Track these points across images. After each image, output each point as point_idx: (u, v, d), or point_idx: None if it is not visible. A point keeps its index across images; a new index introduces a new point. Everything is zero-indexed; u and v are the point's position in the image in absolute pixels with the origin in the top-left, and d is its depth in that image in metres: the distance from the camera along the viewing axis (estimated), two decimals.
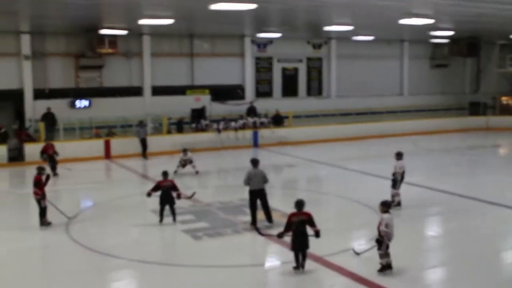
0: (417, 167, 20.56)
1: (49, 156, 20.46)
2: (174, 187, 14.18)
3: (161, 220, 14.05)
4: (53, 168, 20.21)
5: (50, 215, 14.06)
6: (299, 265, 10.48)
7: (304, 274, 10.44)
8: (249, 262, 11.62)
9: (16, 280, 10.68)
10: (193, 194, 15.15)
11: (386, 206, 10.56)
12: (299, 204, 10.59)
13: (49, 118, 25.06)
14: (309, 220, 10.49)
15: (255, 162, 13.80)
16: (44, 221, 13.90)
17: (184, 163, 19.81)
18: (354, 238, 12.77)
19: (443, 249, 12.67)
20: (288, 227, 10.49)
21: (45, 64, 26.47)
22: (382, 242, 10.31)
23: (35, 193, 13.80)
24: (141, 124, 24.78)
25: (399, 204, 14.92)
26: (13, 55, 25.55)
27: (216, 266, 11.06)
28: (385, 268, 10.41)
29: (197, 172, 20.12)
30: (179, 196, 14.27)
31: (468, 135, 32.53)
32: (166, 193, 14.03)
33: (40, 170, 14.10)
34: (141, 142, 24.47)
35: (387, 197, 16.47)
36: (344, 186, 18.85)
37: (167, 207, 14.06)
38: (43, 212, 13.89)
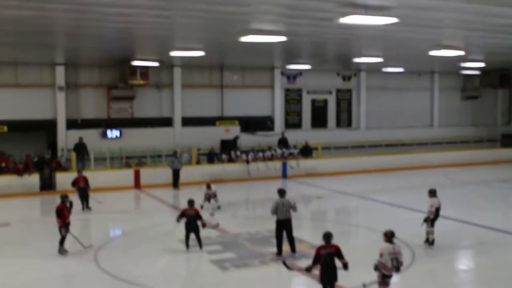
0: (448, 199, 20.18)
1: (80, 189, 19.85)
2: (198, 216, 14.36)
3: (187, 246, 14.27)
4: (86, 201, 19.85)
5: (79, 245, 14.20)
6: None
7: None
8: None
9: None
10: (217, 225, 15.12)
11: (385, 236, 10.43)
12: (327, 236, 10.50)
13: (81, 148, 25.45)
14: (337, 253, 10.39)
15: (282, 192, 13.94)
16: (61, 250, 14.09)
17: (208, 197, 19.42)
18: None
19: (474, 283, 12.46)
20: (317, 260, 10.39)
21: (78, 95, 27.00)
22: (378, 271, 10.26)
23: (57, 222, 14.04)
24: (175, 154, 24.91)
25: (432, 243, 14.41)
26: (48, 86, 26.16)
27: None
28: None
29: (219, 207, 19.63)
30: (204, 225, 14.45)
31: (500, 167, 32.04)
32: (191, 221, 14.27)
33: (63, 198, 14.34)
34: (174, 173, 24.53)
35: (418, 229, 16.36)
36: (373, 218, 18.67)
37: (192, 235, 14.22)
38: (62, 240, 14.10)
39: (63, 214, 14.03)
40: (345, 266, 10.42)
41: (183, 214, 14.43)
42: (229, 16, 14.25)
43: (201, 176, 25.02)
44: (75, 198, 18.09)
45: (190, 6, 13.00)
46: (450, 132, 36.24)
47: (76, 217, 18.49)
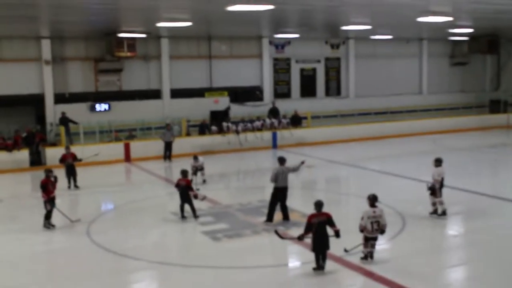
0: None
1: (68, 165, 19.22)
2: (189, 187, 14.55)
3: (182, 217, 14.50)
4: (74, 179, 19.26)
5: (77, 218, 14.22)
6: (319, 266, 10.47)
7: (324, 275, 10.43)
8: (269, 263, 11.63)
9: (37, 282, 10.87)
10: (204, 197, 15.08)
11: (368, 199, 11.04)
12: (319, 205, 10.59)
13: (65, 123, 25.27)
14: (329, 221, 10.49)
15: (282, 160, 14.13)
16: (46, 223, 14.16)
17: (195, 170, 18.82)
18: None
19: (464, 248, 12.60)
20: (308, 228, 10.48)
21: (65, 69, 26.74)
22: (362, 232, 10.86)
23: (42, 196, 14.10)
24: (167, 127, 24.82)
25: (444, 213, 14.16)
26: (34, 60, 25.85)
27: (236, 267, 11.09)
28: (366, 257, 10.92)
29: (204, 181, 19.05)
30: (195, 197, 14.60)
31: (488, 133, 32.21)
32: (183, 191, 14.50)
33: (48, 173, 14.37)
34: (166, 145, 24.43)
35: (408, 196, 16.53)
36: (363, 186, 18.73)
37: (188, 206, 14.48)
38: (48, 215, 14.15)
39: (47, 188, 14.08)
40: (337, 234, 10.54)
41: (177, 185, 14.70)
42: None
43: (191, 148, 25.00)
44: (62, 174, 18.12)
45: None
46: (439, 99, 36.29)
47: (67, 192, 18.57)
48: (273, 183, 13.93)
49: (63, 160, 19.33)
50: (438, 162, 14.44)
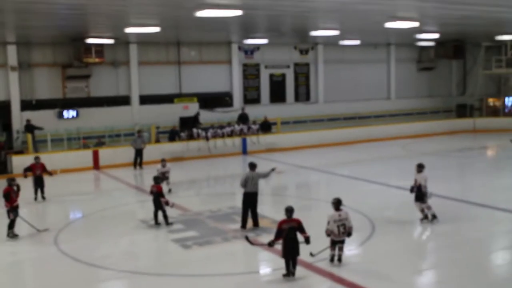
0: (406, 170, 20.50)
1: (36, 177, 18.39)
2: (160, 194, 14.48)
3: (155, 223, 14.54)
4: (41, 191, 18.41)
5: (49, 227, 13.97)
6: (289, 272, 10.45)
7: (294, 281, 10.41)
8: (240, 270, 11.58)
9: None
10: (172, 204, 14.90)
11: (332, 204, 11.21)
12: (289, 211, 10.61)
13: (29, 130, 24.87)
14: (299, 227, 10.50)
15: (252, 166, 14.10)
16: (10, 233, 13.91)
17: (162, 176, 17.72)
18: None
19: (434, 252, 12.71)
20: (279, 234, 10.48)
21: (31, 75, 26.34)
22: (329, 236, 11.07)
23: (5, 205, 13.86)
24: (139, 133, 24.58)
25: (435, 216, 14.27)
26: None
27: (206, 275, 11.01)
28: (332, 259, 11.11)
29: (169, 190, 18.38)
30: (166, 203, 14.48)
31: (455, 137, 32.67)
32: (155, 198, 14.49)
33: (10, 181, 14.16)
34: (136, 152, 24.15)
35: (378, 201, 16.62)
36: (333, 192, 18.61)
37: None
38: (11, 224, 13.91)
39: (10, 197, 13.86)
40: (307, 240, 10.55)
41: (150, 192, 14.76)
42: None
43: (161, 155, 24.58)
44: (25, 183, 17.76)
45: None
46: (407, 103, 36.72)
47: (33, 202, 18.24)
48: (242, 187, 13.94)
49: (30, 169, 18.53)
50: (420, 168, 14.53)
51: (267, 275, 11.27)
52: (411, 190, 14.47)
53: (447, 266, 11.43)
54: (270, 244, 10.72)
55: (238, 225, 14.01)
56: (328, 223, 10.99)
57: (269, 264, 11.67)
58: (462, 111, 37.52)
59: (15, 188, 14.08)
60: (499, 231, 14.10)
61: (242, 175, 14.13)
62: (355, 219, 14.49)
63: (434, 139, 31.79)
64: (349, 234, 11.10)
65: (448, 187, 18.66)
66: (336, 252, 11.13)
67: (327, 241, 11.05)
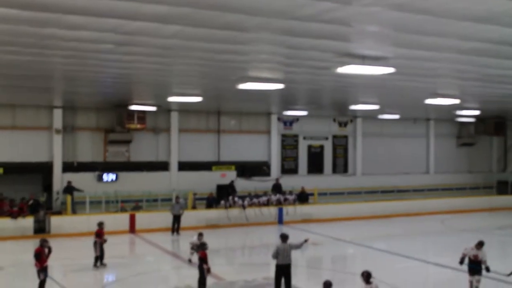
0: (445, 247, 20.19)
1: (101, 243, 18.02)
2: (203, 260, 14.35)
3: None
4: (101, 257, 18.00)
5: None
6: None
7: None
8: None
9: None
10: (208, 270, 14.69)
11: (362, 276, 11.19)
12: (328, 285, 10.50)
13: (69, 191, 25.33)
14: None
15: (284, 237, 14.02)
16: None
17: (196, 248, 17.06)
18: None
19: None
20: None
21: (74, 138, 27.06)
22: None
23: (35, 265, 14.01)
24: (177, 199, 24.78)
25: None
26: (45, 128, 26.26)
27: None
28: None
29: (190, 261, 17.62)
30: (208, 270, 14.32)
31: (496, 214, 31.94)
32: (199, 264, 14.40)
33: (43, 242, 14.35)
34: (174, 218, 24.08)
35: (414, 277, 16.25)
36: (369, 266, 18.41)
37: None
38: (41, 285, 14.01)
39: (41, 257, 14.03)
40: None
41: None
42: (227, 64, 14.40)
43: (197, 221, 24.88)
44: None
45: (189, 54, 13.12)
46: (446, 178, 36.30)
47: (69, 262, 18.37)
48: (274, 259, 13.83)
49: (98, 235, 18.17)
50: (481, 246, 14.52)
51: None
52: (461, 262, 14.47)
53: None
54: None
55: None
56: None
57: None
58: (503, 187, 36.87)
59: (46, 250, 14.26)
60: None
61: (274, 247, 14.04)
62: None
63: (474, 216, 31.15)
64: None
65: (490, 266, 18.15)
66: None
67: None
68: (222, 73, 16.17)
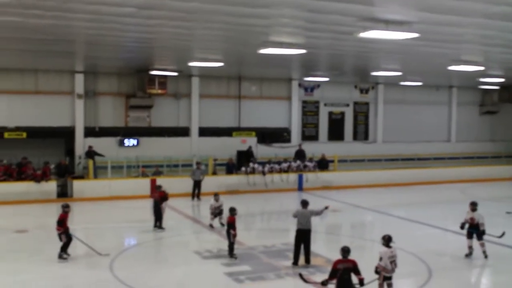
0: (464, 215, 20.06)
1: (155, 202, 18.45)
2: (231, 225, 14.42)
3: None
4: (159, 220, 18.20)
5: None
6: None
7: None
8: None
9: None
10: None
11: (383, 240, 11.21)
12: (345, 251, 10.51)
13: (91, 156, 25.63)
14: (354, 268, 10.37)
15: (304, 203, 14.13)
16: (61, 255, 14.31)
17: (217, 212, 18.14)
18: (398, 287, 12.43)
19: None
20: (333, 274, 10.36)
21: (96, 103, 27.20)
22: (379, 274, 10.89)
23: (57, 229, 14.35)
24: (198, 165, 24.92)
25: (486, 255, 14.61)
26: (67, 93, 26.41)
27: None
28: None
29: (222, 224, 17.71)
30: (234, 236, 14.43)
31: None
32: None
33: (65, 208, 14.63)
34: (195, 184, 24.37)
35: (434, 245, 16.27)
36: (388, 233, 18.52)
37: None
38: (64, 246, 14.36)
39: (64, 223, 14.37)
40: (361, 283, 10.39)
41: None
42: (249, 28, 14.27)
43: (217, 187, 24.88)
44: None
45: (211, 18, 13.04)
46: (468, 147, 35.99)
47: (91, 225, 18.67)
48: (294, 218, 14.02)
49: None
50: (474, 206, 14.84)
51: None
52: (462, 227, 14.83)
53: None
54: (324, 283, 10.57)
55: (291, 262, 13.94)
56: (381, 259, 10.91)
57: None
58: None
59: (69, 213, 14.60)
60: None
61: (294, 211, 14.23)
62: (411, 263, 14.33)
63: (495, 185, 30.95)
64: (393, 270, 11.12)
65: (508, 235, 18.11)
66: None
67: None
68: (243, 38, 16.06)
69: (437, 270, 13.75)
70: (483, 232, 14.53)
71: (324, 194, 25.71)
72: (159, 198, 18.27)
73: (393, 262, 10.96)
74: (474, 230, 14.66)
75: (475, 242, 14.71)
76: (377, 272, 10.91)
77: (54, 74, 26.15)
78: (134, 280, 12.70)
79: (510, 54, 19.24)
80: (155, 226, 18.07)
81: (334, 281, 10.37)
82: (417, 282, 12.63)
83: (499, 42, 16.42)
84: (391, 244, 11.11)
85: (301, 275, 11.44)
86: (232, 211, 14.64)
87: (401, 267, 14.04)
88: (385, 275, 10.90)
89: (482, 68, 22.36)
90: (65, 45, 17.97)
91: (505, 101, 35.87)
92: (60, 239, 14.32)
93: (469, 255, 14.68)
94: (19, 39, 16.59)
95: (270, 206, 24.64)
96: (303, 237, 13.90)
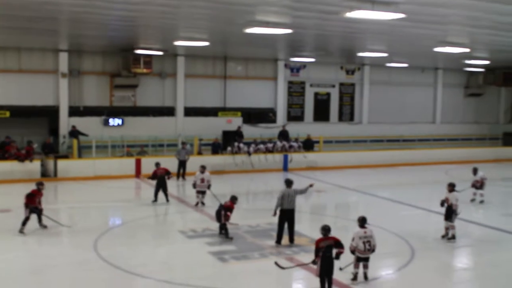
0: None
1: (161, 177, 19.04)
2: (227, 209, 14.52)
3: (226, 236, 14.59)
4: (165, 193, 19.12)
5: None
6: None
7: None
8: (275, 287, 11.54)
9: None
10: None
11: (358, 221, 11.45)
12: (325, 229, 10.62)
13: (74, 135, 25.46)
14: (336, 244, 10.47)
15: (288, 183, 14.15)
16: (21, 229, 14.63)
17: (203, 186, 18.30)
18: (381, 266, 12.54)
19: (473, 282, 12.44)
20: (317, 252, 10.44)
21: (80, 82, 26.97)
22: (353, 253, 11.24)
23: (24, 202, 14.74)
24: (183, 145, 24.85)
25: (453, 237, 14.61)
26: (51, 72, 26.13)
27: None
28: (355, 278, 11.22)
29: (203, 203, 18.40)
30: (227, 219, 14.51)
31: (501, 165, 32.00)
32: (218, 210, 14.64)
33: (39, 185, 15.04)
34: (180, 163, 24.31)
35: (417, 226, 16.41)
36: (372, 214, 18.50)
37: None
38: (25, 221, 14.69)
39: (33, 199, 14.73)
40: (337, 256, 10.50)
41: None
42: (234, 7, 14.20)
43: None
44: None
45: None
46: (452, 129, 36.24)
47: (75, 205, 18.60)
48: (278, 207, 13.96)
49: (155, 175, 19.06)
50: (452, 187, 14.83)
51: None
52: (442, 204, 14.86)
53: None
54: (314, 263, 10.62)
55: (274, 241, 14.01)
56: (353, 239, 11.18)
57: (304, 283, 11.62)
58: (509, 139, 36.76)
59: (42, 192, 14.97)
60: None
61: (279, 192, 14.12)
62: (393, 243, 14.45)
63: (479, 166, 30.98)
64: (373, 251, 11.26)
65: (491, 216, 18.32)
66: (361, 270, 11.25)
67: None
68: (229, 17, 15.96)
69: (420, 250, 13.87)
70: (453, 212, 14.53)
71: (309, 175, 25.76)
72: (165, 172, 19.04)
73: (368, 242, 11.13)
74: (448, 210, 14.69)
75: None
76: (352, 252, 11.17)
77: (38, 53, 25.85)
78: (118, 259, 12.69)
79: (496, 36, 19.30)
80: (167, 200, 19.06)
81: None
82: (399, 261, 12.74)
83: (485, 23, 16.47)
84: (366, 225, 11.29)
85: (276, 263, 11.51)
86: (234, 199, 14.72)
87: (384, 247, 14.16)
88: (359, 255, 11.15)
89: (468, 50, 22.42)
90: (49, 23, 17.80)
91: (490, 83, 36.04)
92: (25, 212, 14.66)
93: (445, 236, 14.78)
94: (3, 16, 16.36)
95: (255, 186, 24.69)
96: (287, 216, 13.95)
